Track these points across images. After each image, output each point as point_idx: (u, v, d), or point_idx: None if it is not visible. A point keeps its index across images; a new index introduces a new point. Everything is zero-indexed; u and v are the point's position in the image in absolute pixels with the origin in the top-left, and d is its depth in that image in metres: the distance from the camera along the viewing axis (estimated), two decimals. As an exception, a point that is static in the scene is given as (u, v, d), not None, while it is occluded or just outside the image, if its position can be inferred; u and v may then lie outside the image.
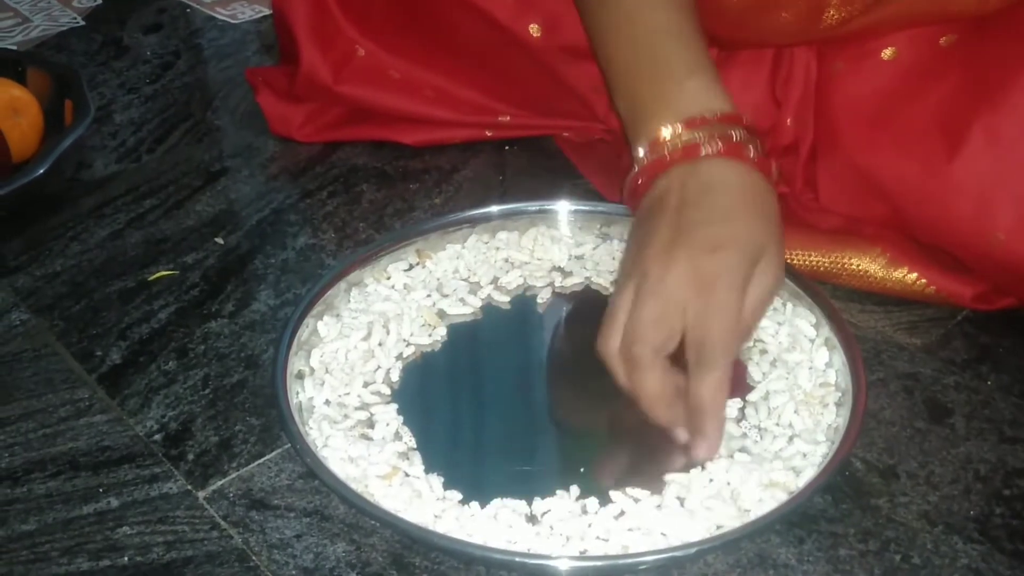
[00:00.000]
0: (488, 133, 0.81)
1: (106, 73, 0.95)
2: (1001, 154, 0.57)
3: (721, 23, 0.64)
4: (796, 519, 0.48)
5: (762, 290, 0.50)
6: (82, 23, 1.07)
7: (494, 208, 0.67)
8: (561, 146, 0.80)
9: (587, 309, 0.63)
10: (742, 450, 0.51)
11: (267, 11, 1.07)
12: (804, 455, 0.50)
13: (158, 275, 0.67)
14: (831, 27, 0.62)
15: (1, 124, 0.74)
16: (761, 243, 0.50)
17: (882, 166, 0.62)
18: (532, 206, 0.68)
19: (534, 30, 0.74)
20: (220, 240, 0.71)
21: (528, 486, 0.49)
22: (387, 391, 0.56)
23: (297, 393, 0.55)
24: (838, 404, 0.53)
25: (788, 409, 0.53)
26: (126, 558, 0.48)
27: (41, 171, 0.68)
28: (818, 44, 0.67)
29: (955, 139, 0.58)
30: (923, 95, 0.61)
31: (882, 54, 0.63)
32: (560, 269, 0.65)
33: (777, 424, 0.53)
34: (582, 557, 0.46)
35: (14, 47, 1.02)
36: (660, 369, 0.49)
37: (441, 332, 0.60)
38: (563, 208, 0.68)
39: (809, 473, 0.49)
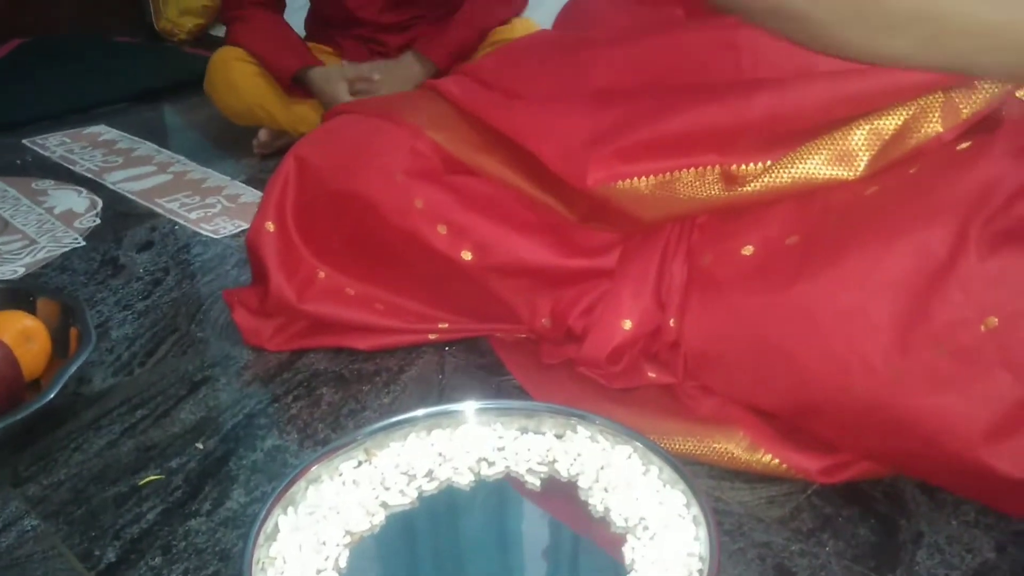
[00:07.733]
0: (431, 337, 0.95)
1: (104, 292, 1.09)
2: (840, 313, 0.69)
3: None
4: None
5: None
6: (83, 243, 1.22)
7: (430, 410, 0.80)
8: (492, 345, 0.94)
9: (506, 493, 0.75)
10: (621, 613, 0.63)
11: (245, 225, 1.23)
12: (672, 613, 0.62)
13: (147, 480, 0.79)
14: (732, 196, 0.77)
15: (15, 350, 0.87)
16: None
17: (745, 328, 0.75)
18: (462, 407, 0.81)
19: (466, 255, 0.89)
20: (200, 445, 0.83)
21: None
22: (335, 575, 0.68)
23: (261, 581, 0.66)
24: (700, 571, 0.65)
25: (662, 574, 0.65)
26: None
27: (52, 395, 0.81)
28: (688, 246, 0.81)
29: (815, 317, 0.70)
30: (773, 277, 0.74)
31: (742, 251, 0.77)
32: (485, 459, 0.78)
33: (652, 589, 0.64)
34: None
35: (23, 268, 1.18)
36: None
37: (382, 521, 0.72)
38: (488, 407, 0.80)
39: (673, 629, 0.61)
